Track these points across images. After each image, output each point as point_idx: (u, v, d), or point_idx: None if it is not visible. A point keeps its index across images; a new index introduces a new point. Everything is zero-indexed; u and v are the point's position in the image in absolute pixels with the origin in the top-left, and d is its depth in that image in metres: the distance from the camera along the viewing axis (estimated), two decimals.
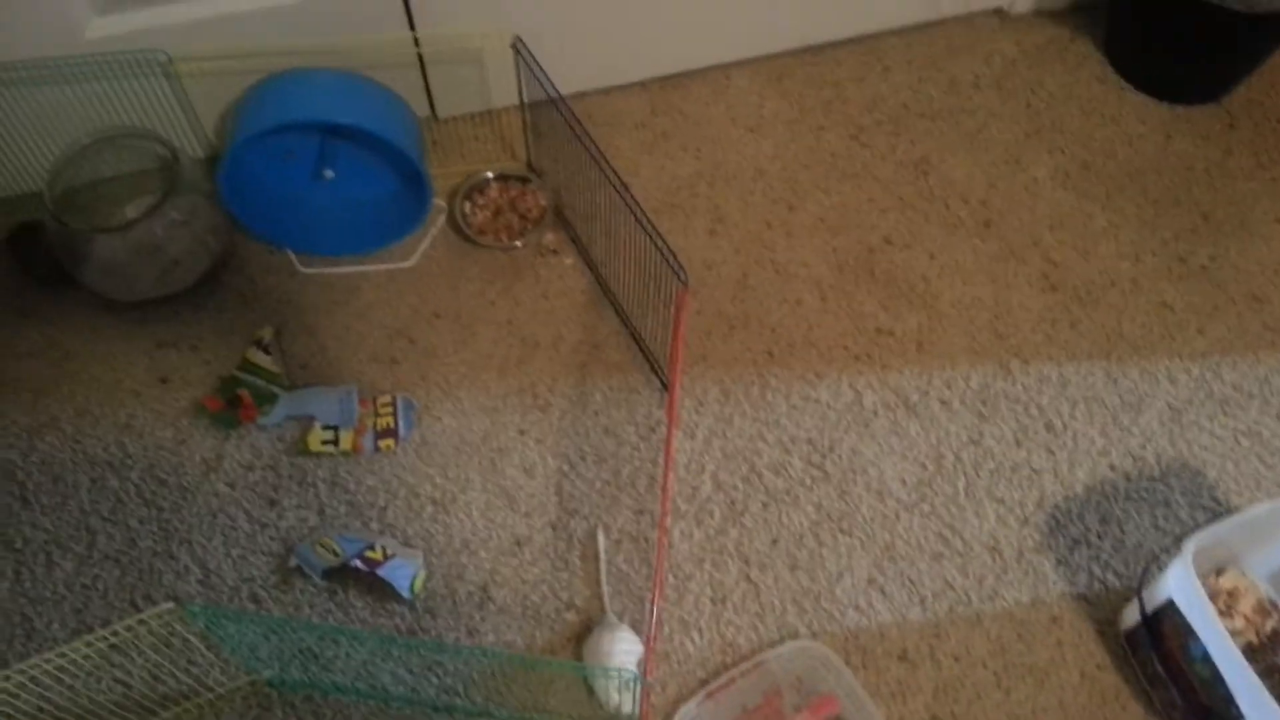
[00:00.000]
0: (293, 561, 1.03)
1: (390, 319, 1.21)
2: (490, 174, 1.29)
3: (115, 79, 1.13)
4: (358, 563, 1.01)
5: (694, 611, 1.04)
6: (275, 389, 1.13)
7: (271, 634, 0.93)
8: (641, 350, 1.19)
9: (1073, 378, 1.18)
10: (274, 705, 0.98)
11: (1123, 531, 1.08)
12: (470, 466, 1.11)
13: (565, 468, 1.11)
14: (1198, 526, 1.07)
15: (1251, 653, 0.95)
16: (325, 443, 1.10)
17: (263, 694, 0.98)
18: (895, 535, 1.08)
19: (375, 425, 1.11)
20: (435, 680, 0.98)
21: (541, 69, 1.12)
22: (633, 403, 1.15)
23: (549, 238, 1.27)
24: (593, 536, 1.06)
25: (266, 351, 1.15)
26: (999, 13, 1.51)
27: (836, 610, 1.04)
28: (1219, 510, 1.09)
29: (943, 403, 1.17)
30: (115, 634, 0.81)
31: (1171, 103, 1.41)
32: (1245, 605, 0.97)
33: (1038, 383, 1.18)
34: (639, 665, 0.96)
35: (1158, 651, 0.95)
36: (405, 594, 1.01)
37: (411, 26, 1.22)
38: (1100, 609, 1.03)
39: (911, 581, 1.06)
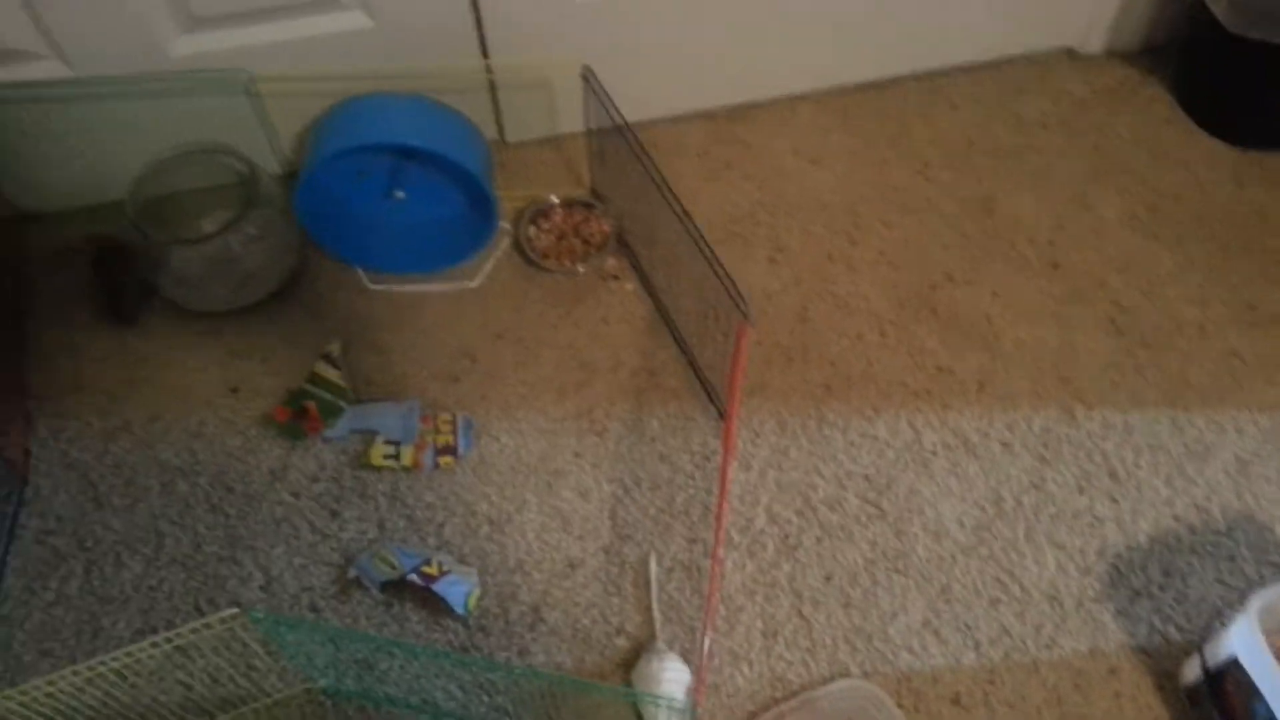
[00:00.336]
0: (352, 572, 1.05)
1: (454, 338, 1.23)
2: (555, 199, 1.31)
3: (198, 96, 1.17)
4: (414, 577, 1.02)
5: (744, 644, 1.03)
6: (341, 402, 1.15)
7: (329, 643, 0.95)
8: (699, 378, 1.20)
9: (1138, 424, 1.16)
10: (328, 714, 0.99)
11: (1186, 584, 1.06)
12: (526, 487, 1.12)
13: (620, 493, 1.12)
14: (1263, 582, 1.04)
15: None
16: (387, 457, 1.12)
17: (318, 702, 1.00)
18: (952, 578, 1.07)
19: (435, 442, 1.13)
20: (486, 699, 0.99)
21: (609, 97, 1.14)
22: (688, 430, 1.16)
23: (611, 263, 1.28)
24: (645, 563, 1.07)
25: (334, 365, 1.18)
26: (1069, 52, 1.50)
27: (889, 651, 1.03)
28: None
29: (1004, 445, 1.16)
30: (181, 636, 0.83)
31: (1244, 148, 1.39)
32: None
33: (1102, 428, 1.16)
34: (688, 694, 0.96)
35: (1220, 709, 0.93)
36: (459, 610, 1.02)
37: (485, 54, 1.25)
38: (1160, 662, 1.01)
39: (967, 625, 1.05)
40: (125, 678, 0.95)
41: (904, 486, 1.13)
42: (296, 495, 1.12)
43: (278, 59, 1.18)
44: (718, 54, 1.35)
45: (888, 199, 1.36)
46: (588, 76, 1.18)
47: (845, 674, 1.02)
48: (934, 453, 1.15)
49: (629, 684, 0.99)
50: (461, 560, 1.07)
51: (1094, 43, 1.48)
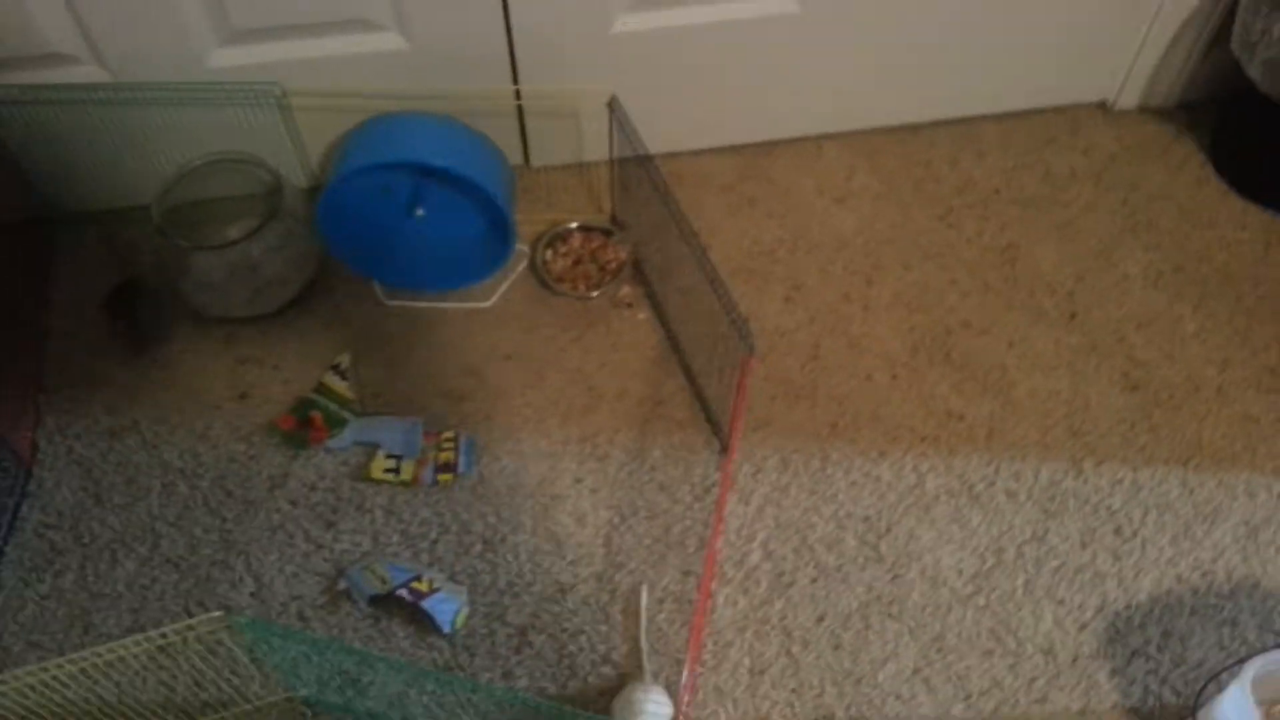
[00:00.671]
0: (342, 584, 1.05)
1: (463, 356, 1.23)
2: (574, 224, 1.32)
3: (231, 106, 1.20)
4: (404, 592, 1.02)
5: (730, 681, 1.02)
6: (347, 414, 1.16)
7: (314, 654, 0.95)
8: (704, 411, 1.19)
9: (1147, 483, 1.14)
10: None
11: (1184, 647, 1.03)
12: (523, 509, 1.12)
13: (616, 520, 1.11)
14: (1265, 650, 1.01)
15: None
16: (387, 471, 1.13)
17: (299, 711, 1.00)
18: (946, 626, 1.06)
19: (436, 459, 1.14)
20: (466, 718, 0.99)
21: (633, 128, 1.15)
22: (690, 463, 1.15)
23: (625, 291, 1.29)
24: (636, 592, 1.06)
25: (343, 377, 1.19)
26: (1102, 106, 1.49)
27: (877, 696, 1.01)
28: None
29: (1009, 494, 1.14)
30: (165, 636, 0.83)
31: (1276, 211, 1.37)
32: None
33: (1110, 484, 1.14)
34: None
35: None
36: (446, 629, 1.02)
37: (515, 79, 1.26)
38: None
39: (959, 676, 1.03)
40: (110, 675, 0.96)
41: (904, 531, 1.11)
42: (294, 503, 1.12)
43: (312, 75, 1.21)
44: (748, 91, 1.36)
45: (909, 242, 1.35)
46: (613, 106, 1.19)
47: (830, 718, 1.00)
48: (937, 498, 1.14)
49: (609, 713, 0.98)
50: (452, 578, 1.07)
51: (1128, 98, 1.47)
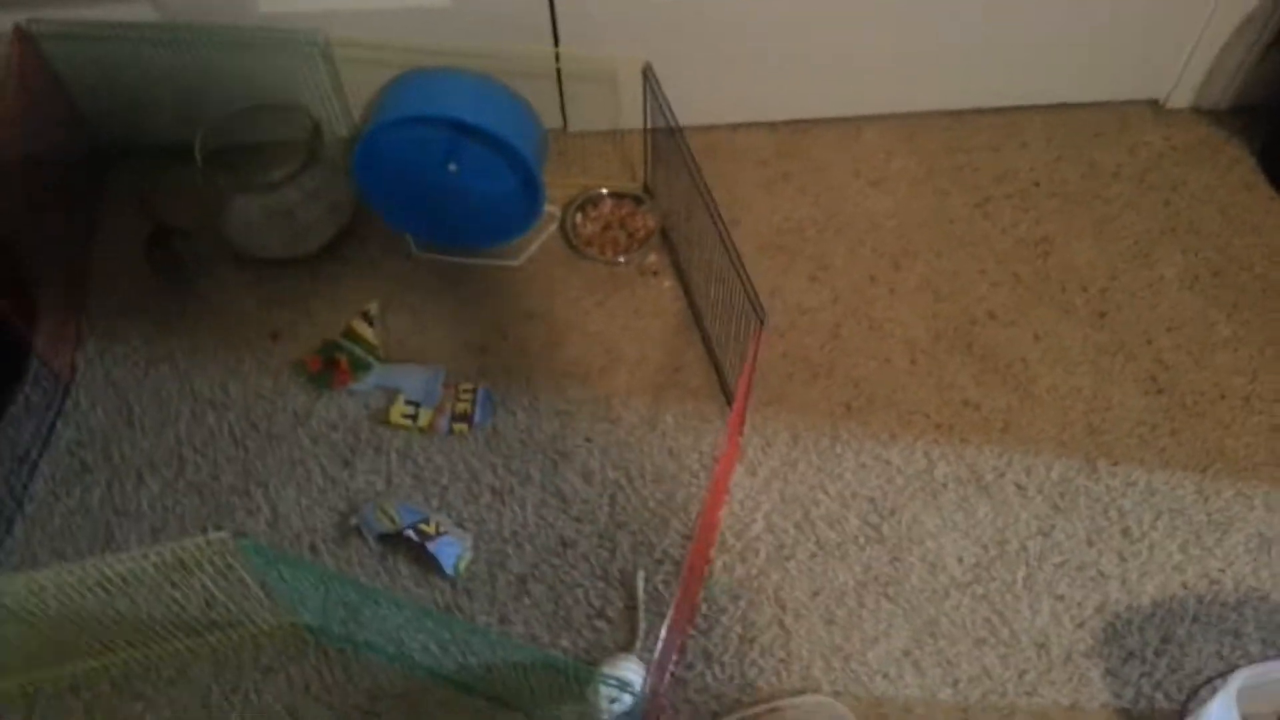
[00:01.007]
0: (354, 520, 1.09)
1: (488, 312, 1.26)
2: (605, 190, 1.34)
3: (277, 53, 1.23)
4: (411, 533, 1.05)
5: (720, 645, 1.04)
6: (371, 359, 1.20)
7: (320, 585, 0.98)
8: (720, 382, 1.20)
9: (1161, 487, 1.13)
10: (309, 650, 1.03)
11: (1183, 654, 1.02)
12: (533, 463, 1.14)
13: (623, 481, 1.13)
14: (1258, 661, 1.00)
15: None
16: (405, 416, 1.16)
17: (301, 638, 1.04)
18: (941, 611, 1.06)
19: (454, 409, 1.16)
20: (459, 658, 1.01)
21: (665, 98, 1.16)
22: (701, 431, 1.17)
23: (652, 259, 1.30)
24: (632, 573, 1.08)
25: (370, 324, 1.22)
26: (1153, 104, 1.46)
27: (865, 674, 1.02)
28: None
29: (1018, 487, 1.14)
30: (171, 551, 0.87)
31: None
32: None
33: (1123, 485, 1.13)
34: (644, 681, 0.96)
35: None
36: (449, 571, 1.05)
37: (556, 41, 1.28)
38: None
39: (949, 661, 1.03)
40: (126, 589, 1.00)
41: (908, 515, 1.12)
42: (315, 440, 1.16)
43: (357, 26, 1.23)
44: (789, 67, 1.36)
45: (942, 229, 1.35)
46: (648, 74, 1.20)
47: (817, 689, 1.01)
48: (945, 485, 1.14)
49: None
50: (459, 524, 1.10)
51: (1180, 97, 1.44)
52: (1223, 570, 1.07)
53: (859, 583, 1.07)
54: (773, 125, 1.43)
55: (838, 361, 1.23)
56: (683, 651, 1.03)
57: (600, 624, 1.05)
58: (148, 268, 1.27)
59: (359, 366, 1.19)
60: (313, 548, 1.09)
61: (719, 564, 1.08)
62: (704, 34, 1.30)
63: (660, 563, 1.08)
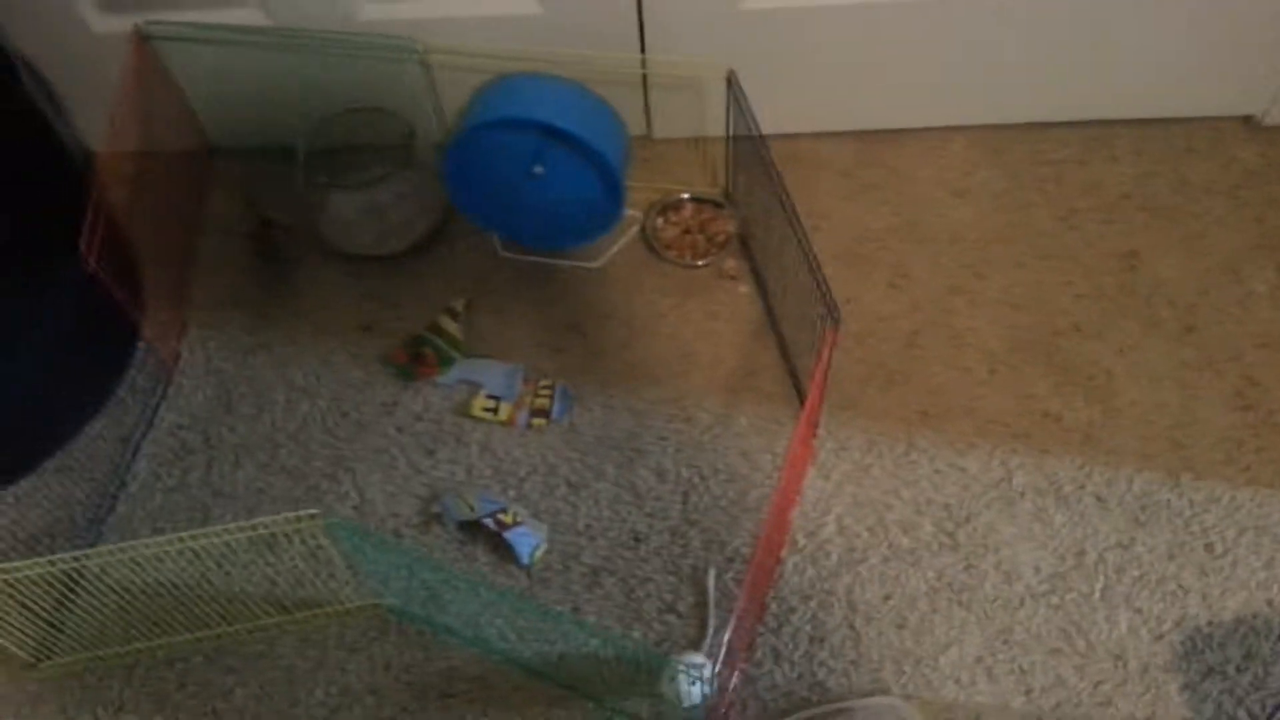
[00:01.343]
0: (435, 508, 1.13)
1: (567, 312, 1.29)
2: (686, 195, 1.36)
3: (376, 59, 1.28)
4: (489, 521, 1.08)
5: (790, 644, 1.05)
6: (455, 354, 1.24)
7: (403, 567, 1.02)
8: (795, 387, 1.21)
9: (1246, 503, 1.11)
10: (390, 630, 1.07)
11: (1267, 672, 1.00)
12: (608, 459, 1.17)
13: (696, 479, 1.15)
14: None
15: None
16: (486, 410, 1.19)
17: (383, 618, 1.07)
18: (1015, 620, 1.05)
19: (533, 404, 1.19)
20: (534, 646, 1.04)
21: (749, 105, 1.18)
22: (774, 434, 1.18)
23: (730, 264, 1.32)
24: (704, 570, 1.09)
25: (455, 320, 1.26)
26: (1248, 120, 1.43)
27: (936, 679, 1.02)
28: None
29: (1098, 499, 1.12)
30: (261, 526, 0.91)
31: None
32: None
33: (1206, 500, 1.11)
34: (716, 673, 0.97)
35: None
36: (525, 560, 1.08)
37: (643, 49, 1.31)
38: None
39: (1022, 669, 1.02)
40: (221, 564, 1.05)
41: (983, 523, 1.11)
42: (400, 430, 1.20)
43: (451, 34, 1.28)
44: (872, 77, 1.37)
45: (1026, 241, 1.34)
46: (732, 81, 1.22)
47: (886, 692, 1.01)
48: (1022, 495, 1.13)
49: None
50: (536, 515, 1.13)
51: (1276, 114, 1.41)
52: None
53: (932, 588, 1.07)
54: (856, 135, 1.44)
55: (914, 369, 1.23)
56: (752, 649, 1.04)
57: (670, 618, 1.06)
58: (250, 258, 1.33)
59: (444, 360, 1.23)
60: (396, 532, 1.13)
61: (790, 564, 1.09)
62: (787, 43, 1.31)
63: (731, 560, 1.10)
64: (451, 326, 1.26)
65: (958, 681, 1.02)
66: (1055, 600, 1.06)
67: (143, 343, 1.26)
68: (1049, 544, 1.09)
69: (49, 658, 1.06)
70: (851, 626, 1.05)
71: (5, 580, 0.94)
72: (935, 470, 1.15)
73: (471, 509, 1.10)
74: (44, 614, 1.02)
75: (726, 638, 0.92)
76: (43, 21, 1.27)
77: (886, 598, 1.07)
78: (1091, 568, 1.08)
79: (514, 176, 1.26)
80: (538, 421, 1.19)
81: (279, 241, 1.33)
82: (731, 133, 1.28)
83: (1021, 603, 1.06)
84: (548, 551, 1.11)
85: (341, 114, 1.30)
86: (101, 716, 1.05)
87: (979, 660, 1.03)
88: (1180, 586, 1.06)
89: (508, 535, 1.08)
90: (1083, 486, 1.13)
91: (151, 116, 1.27)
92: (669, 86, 1.35)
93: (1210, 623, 1.03)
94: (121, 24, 1.26)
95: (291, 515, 0.90)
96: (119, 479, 1.18)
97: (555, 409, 1.19)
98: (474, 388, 1.22)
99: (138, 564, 0.96)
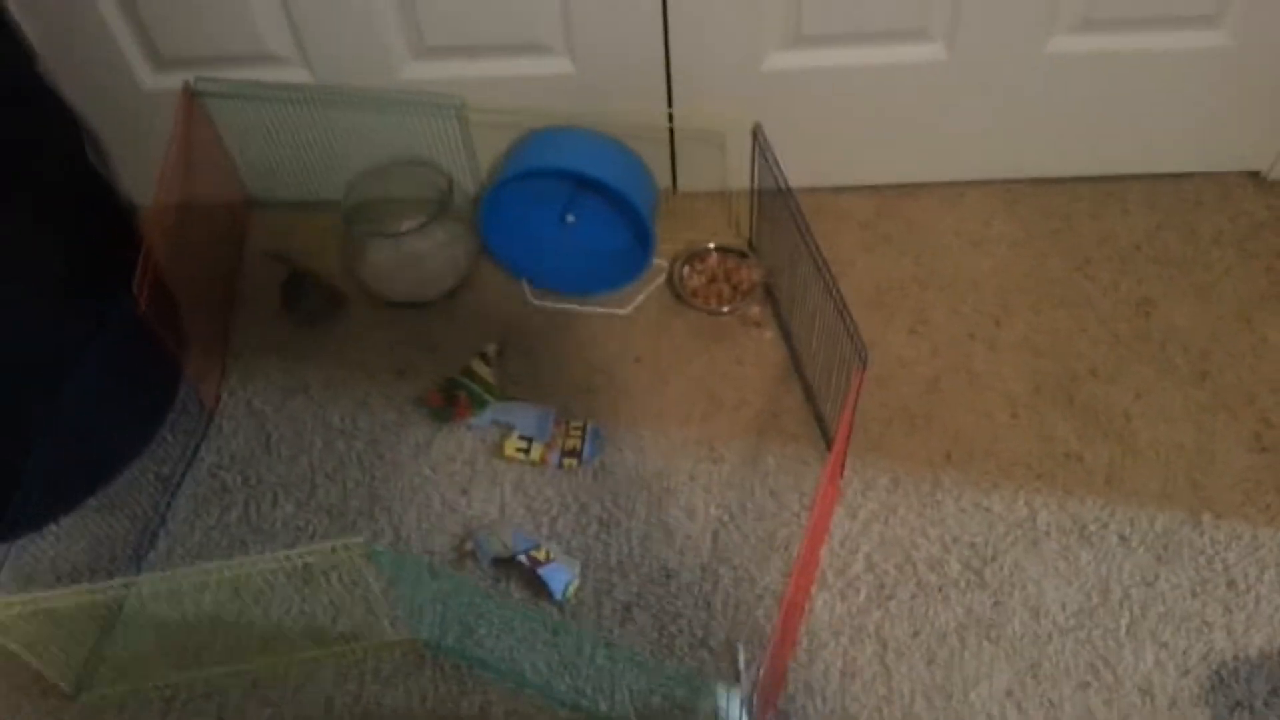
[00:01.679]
0: (469, 545, 1.15)
1: (597, 356, 1.33)
2: (712, 244, 1.40)
3: (415, 115, 1.34)
4: (523, 558, 1.10)
5: (821, 680, 1.06)
6: (488, 396, 1.27)
7: (439, 599, 1.04)
8: (821, 429, 1.24)
9: (1267, 541, 1.12)
10: (425, 665, 1.08)
11: None
12: (639, 498, 1.19)
13: (725, 518, 1.17)
14: None
15: None
16: (519, 450, 1.22)
17: (419, 653, 1.09)
18: (1044, 655, 1.06)
19: (564, 445, 1.22)
20: (569, 679, 1.05)
21: (774, 156, 1.23)
22: (801, 473, 1.20)
23: (755, 310, 1.36)
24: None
25: (488, 364, 1.30)
26: (1254, 176, 1.48)
27: (967, 713, 1.03)
28: None
29: (1121, 538, 1.14)
30: (302, 555, 0.93)
31: None
32: None
33: (1228, 538, 1.13)
34: (754, 696, 0.98)
35: None
36: (558, 596, 1.10)
37: (670, 103, 1.36)
38: None
39: (1051, 703, 1.03)
40: (259, 597, 1.08)
41: (1010, 560, 1.13)
42: (435, 470, 1.23)
43: (489, 92, 1.33)
44: (891, 133, 1.42)
45: (1042, 289, 1.37)
46: (757, 133, 1.27)
47: None
48: (1047, 533, 1.15)
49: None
50: (568, 552, 1.15)
51: None
52: None
53: (960, 624, 1.09)
54: (875, 188, 1.49)
55: (937, 412, 1.26)
56: (783, 684, 1.05)
57: (703, 653, 1.08)
58: (284, 306, 1.37)
59: (477, 403, 1.26)
60: (431, 568, 1.15)
61: (819, 600, 1.11)
62: (808, 101, 1.37)
63: (761, 597, 1.11)
64: (484, 370, 1.29)
65: (988, 716, 1.03)
66: (1082, 635, 1.07)
67: (184, 385, 1.30)
68: (1075, 581, 1.11)
69: (89, 689, 1.08)
70: (882, 662, 1.07)
71: (47, 610, 0.96)
72: (961, 509, 1.17)
73: (505, 546, 1.12)
74: (85, 645, 1.03)
75: (759, 670, 0.93)
76: (94, 78, 1.33)
77: (916, 633, 1.08)
78: (1117, 604, 1.09)
79: (546, 225, 1.31)
80: (569, 462, 1.21)
81: (310, 291, 1.37)
82: (756, 184, 1.33)
83: (1049, 638, 1.07)
84: (580, 587, 1.12)
85: (382, 166, 1.36)
86: None
87: (1009, 694, 1.04)
88: (1205, 622, 1.07)
89: (541, 571, 1.10)
90: (1106, 525, 1.15)
91: (195, 169, 1.33)
92: (695, 141, 1.41)
93: (1236, 657, 1.04)
94: (170, 81, 1.32)
95: (338, 543, 0.92)
96: (159, 517, 1.21)
97: (586, 449, 1.22)
98: (507, 429, 1.25)
99: (178, 596, 0.98)
